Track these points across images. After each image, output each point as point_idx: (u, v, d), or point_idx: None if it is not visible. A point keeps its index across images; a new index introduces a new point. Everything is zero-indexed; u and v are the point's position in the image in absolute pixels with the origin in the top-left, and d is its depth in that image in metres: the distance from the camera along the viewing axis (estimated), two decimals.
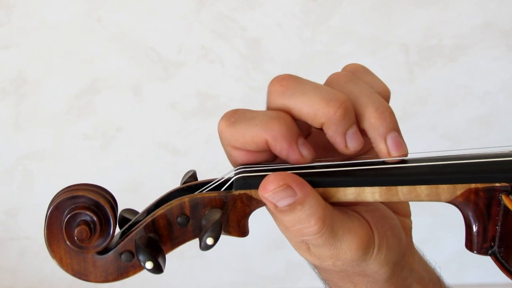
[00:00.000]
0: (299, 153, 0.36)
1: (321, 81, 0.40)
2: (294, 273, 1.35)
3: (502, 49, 1.19)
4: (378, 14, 1.17)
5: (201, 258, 1.33)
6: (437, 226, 1.30)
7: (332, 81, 0.39)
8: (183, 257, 1.31)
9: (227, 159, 0.39)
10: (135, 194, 1.25)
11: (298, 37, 1.18)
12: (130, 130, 1.23)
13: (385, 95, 0.39)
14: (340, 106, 0.35)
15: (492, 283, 1.34)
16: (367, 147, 0.39)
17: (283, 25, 1.17)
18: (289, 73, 0.38)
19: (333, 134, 0.36)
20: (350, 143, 0.36)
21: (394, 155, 0.36)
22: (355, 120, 0.37)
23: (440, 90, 1.22)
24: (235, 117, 0.37)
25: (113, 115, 1.22)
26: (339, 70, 0.41)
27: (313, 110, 0.36)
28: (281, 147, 0.36)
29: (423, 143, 1.26)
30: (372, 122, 0.36)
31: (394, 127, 0.37)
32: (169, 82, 1.20)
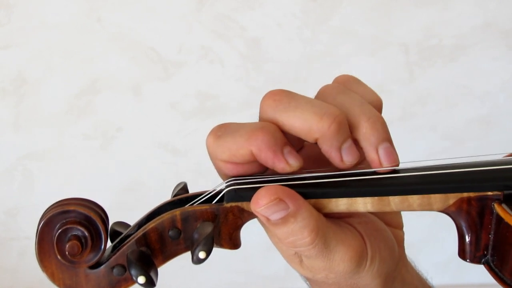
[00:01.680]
0: (285, 161, 0.36)
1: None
2: (294, 273, 1.35)
3: (502, 49, 1.19)
4: (378, 14, 1.17)
5: None
6: (437, 226, 1.30)
7: (323, 93, 0.39)
8: (183, 257, 1.30)
9: None
10: (135, 194, 1.25)
11: (298, 37, 1.17)
12: (130, 130, 1.23)
13: (377, 105, 0.39)
14: (334, 120, 0.35)
15: (492, 283, 1.33)
16: (361, 158, 0.40)
17: (283, 25, 1.17)
18: (283, 88, 0.38)
19: (328, 149, 0.36)
20: (345, 157, 0.36)
21: (386, 165, 0.36)
22: (350, 134, 0.36)
23: (440, 90, 1.22)
24: (221, 131, 0.37)
25: (113, 115, 1.22)
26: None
27: (306, 125, 0.36)
28: (266, 157, 0.36)
29: (423, 143, 1.26)
30: (364, 133, 0.36)
31: (386, 137, 0.37)
32: (169, 82, 1.20)
